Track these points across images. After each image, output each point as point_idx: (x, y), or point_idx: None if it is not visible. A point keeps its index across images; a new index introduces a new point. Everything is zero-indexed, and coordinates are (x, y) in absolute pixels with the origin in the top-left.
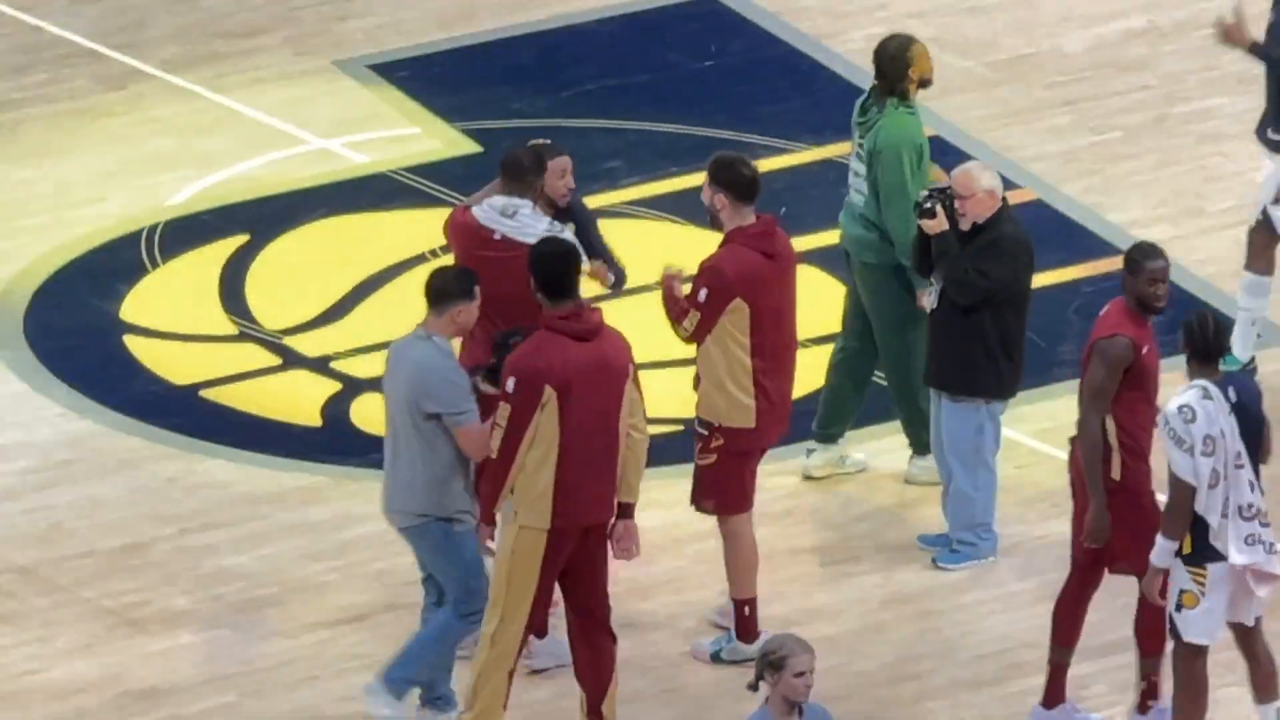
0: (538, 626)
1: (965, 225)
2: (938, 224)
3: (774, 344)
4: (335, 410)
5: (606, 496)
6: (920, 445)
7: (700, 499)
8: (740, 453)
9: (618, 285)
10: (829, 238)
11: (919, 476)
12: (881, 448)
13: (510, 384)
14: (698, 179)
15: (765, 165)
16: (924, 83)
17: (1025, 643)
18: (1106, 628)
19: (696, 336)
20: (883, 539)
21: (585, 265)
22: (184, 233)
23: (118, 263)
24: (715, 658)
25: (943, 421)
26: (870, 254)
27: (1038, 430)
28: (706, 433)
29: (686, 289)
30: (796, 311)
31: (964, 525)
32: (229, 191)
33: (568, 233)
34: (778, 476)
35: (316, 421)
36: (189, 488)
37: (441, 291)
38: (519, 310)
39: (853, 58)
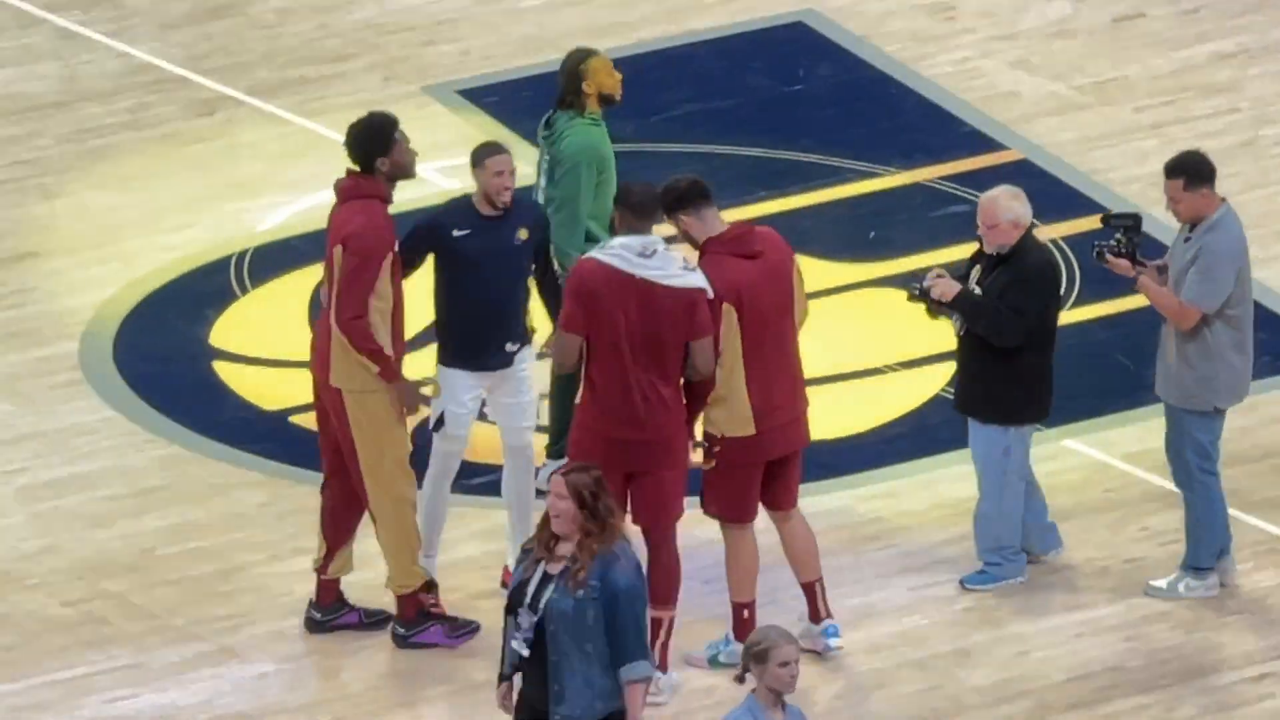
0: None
1: (989, 250)
2: (945, 287)
3: (767, 350)
4: (426, 435)
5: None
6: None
7: (706, 505)
8: (740, 464)
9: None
10: (918, 261)
11: None
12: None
13: None
14: (785, 203)
15: (853, 189)
16: (605, 99)
17: (1110, 666)
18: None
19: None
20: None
21: None
22: (273, 258)
23: (207, 288)
24: (713, 661)
25: (971, 441)
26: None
27: (1126, 454)
28: (708, 443)
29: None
30: (794, 317)
31: (989, 547)
32: (318, 217)
33: (698, 273)
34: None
35: (407, 446)
36: (280, 513)
37: None
38: (671, 352)
39: (941, 81)
